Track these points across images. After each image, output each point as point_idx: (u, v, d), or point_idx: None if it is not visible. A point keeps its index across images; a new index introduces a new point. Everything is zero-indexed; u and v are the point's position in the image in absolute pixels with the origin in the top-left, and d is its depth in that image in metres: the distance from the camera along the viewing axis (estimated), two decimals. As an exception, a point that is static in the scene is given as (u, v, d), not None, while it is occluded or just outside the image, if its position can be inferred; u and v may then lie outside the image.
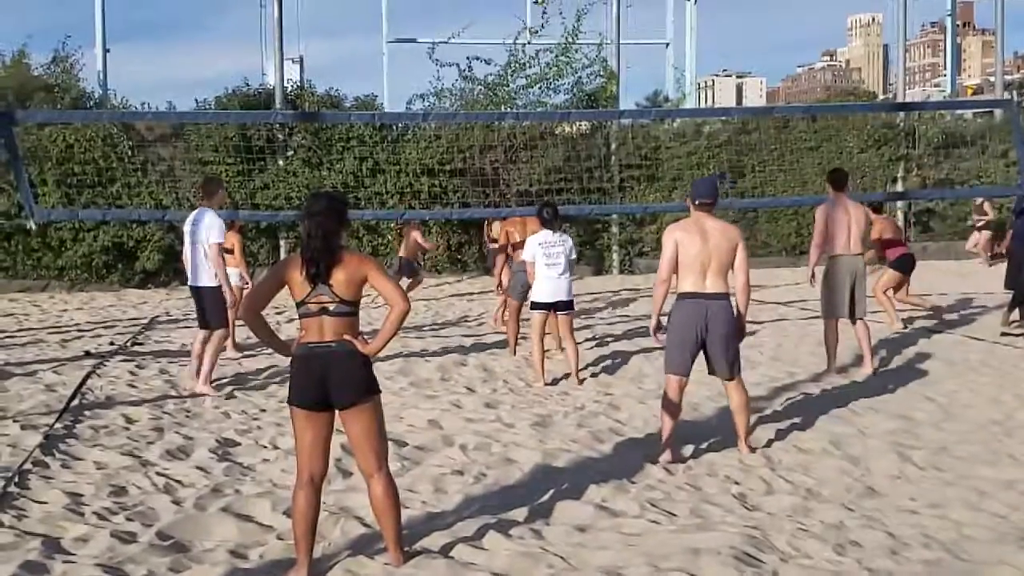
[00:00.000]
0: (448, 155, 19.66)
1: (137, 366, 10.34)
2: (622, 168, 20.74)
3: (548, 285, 9.41)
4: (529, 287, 10.11)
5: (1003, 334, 11.81)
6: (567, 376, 9.54)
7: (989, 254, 20.74)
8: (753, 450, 6.84)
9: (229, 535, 5.25)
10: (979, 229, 21.05)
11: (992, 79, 28.34)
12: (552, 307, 9.46)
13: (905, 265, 12.69)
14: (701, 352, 6.74)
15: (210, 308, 9.05)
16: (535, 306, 9.52)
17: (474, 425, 7.75)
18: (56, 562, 4.75)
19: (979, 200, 20.82)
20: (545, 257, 9.42)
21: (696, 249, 6.59)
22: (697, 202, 6.74)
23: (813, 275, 10.10)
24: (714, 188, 6.87)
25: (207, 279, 9.01)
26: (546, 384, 9.29)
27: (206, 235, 8.91)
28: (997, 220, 20.68)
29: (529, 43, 21.11)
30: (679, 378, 6.74)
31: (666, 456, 6.64)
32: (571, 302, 9.59)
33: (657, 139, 21.33)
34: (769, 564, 4.78)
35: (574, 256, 9.70)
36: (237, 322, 11.05)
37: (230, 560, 4.86)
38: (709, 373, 6.90)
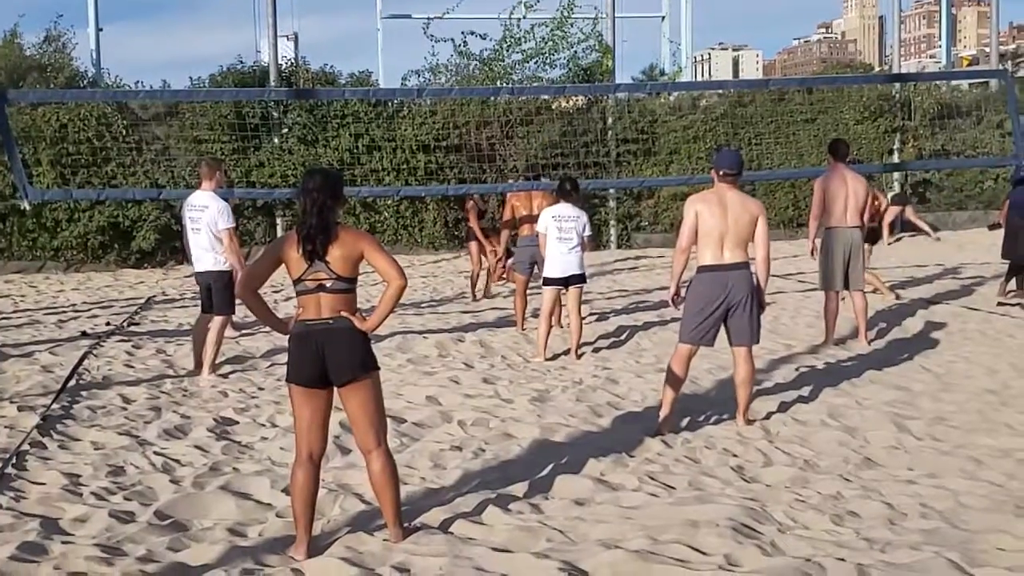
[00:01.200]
0: (444, 131, 19.60)
1: (134, 346, 10.33)
2: (619, 143, 20.68)
3: (559, 260, 9.36)
4: (535, 261, 10.08)
5: (999, 304, 11.82)
6: (567, 352, 9.54)
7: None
8: (751, 423, 6.85)
9: (228, 513, 5.25)
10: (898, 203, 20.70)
11: (987, 50, 28.22)
12: (565, 282, 9.42)
13: (873, 236, 12.78)
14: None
15: (217, 292, 8.87)
16: (547, 282, 9.48)
17: (472, 401, 7.75)
18: (54, 542, 4.74)
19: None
20: (557, 231, 9.34)
21: (716, 220, 6.61)
22: (722, 172, 6.72)
23: (814, 247, 10.08)
24: (739, 160, 6.83)
25: (212, 263, 8.86)
26: (545, 360, 9.28)
27: (215, 221, 8.78)
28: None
29: (524, 18, 21.01)
30: (690, 347, 6.78)
31: (664, 426, 6.66)
32: (583, 275, 9.54)
33: (653, 113, 21.26)
34: (767, 535, 4.79)
35: (589, 232, 9.58)
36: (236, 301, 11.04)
37: (229, 538, 4.86)
38: (730, 344, 6.86)
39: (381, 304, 4.66)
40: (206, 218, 8.83)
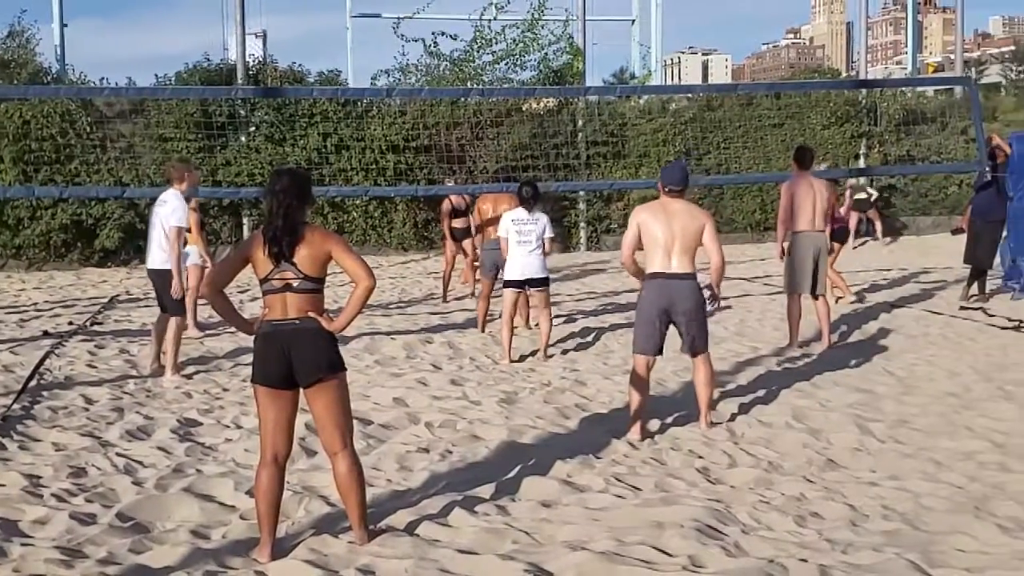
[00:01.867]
0: (414, 132, 19.55)
1: (97, 346, 10.22)
2: (589, 145, 20.73)
3: (518, 263, 9.39)
4: (499, 266, 10.11)
5: (962, 308, 11.95)
6: (535, 353, 9.54)
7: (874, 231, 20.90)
8: (713, 425, 6.88)
9: (191, 515, 5.21)
10: (854, 209, 20.79)
11: (952, 57, 28.55)
12: (523, 285, 9.45)
13: (842, 236, 12.91)
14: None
15: (165, 293, 8.74)
16: (507, 284, 9.53)
17: (440, 403, 7.73)
18: (14, 545, 4.69)
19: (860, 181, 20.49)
20: (517, 234, 9.40)
21: (661, 230, 6.67)
22: (667, 189, 6.81)
23: (783, 251, 10.13)
24: (684, 176, 6.88)
25: (160, 261, 8.75)
26: (512, 361, 9.29)
27: (168, 217, 8.69)
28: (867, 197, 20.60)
29: (495, 19, 21.02)
30: (646, 358, 6.79)
31: (633, 433, 6.67)
32: (544, 279, 9.54)
33: (623, 116, 21.32)
34: (731, 536, 4.82)
35: (550, 234, 9.56)
36: (200, 301, 10.97)
37: (192, 540, 4.82)
38: (680, 350, 6.99)
39: (349, 305, 4.64)
40: (163, 213, 8.75)
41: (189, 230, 10.09)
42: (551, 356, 9.51)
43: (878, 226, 20.87)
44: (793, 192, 9.75)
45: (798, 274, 9.72)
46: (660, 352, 6.87)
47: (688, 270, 6.70)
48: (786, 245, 9.98)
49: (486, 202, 11.41)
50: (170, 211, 8.70)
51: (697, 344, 6.80)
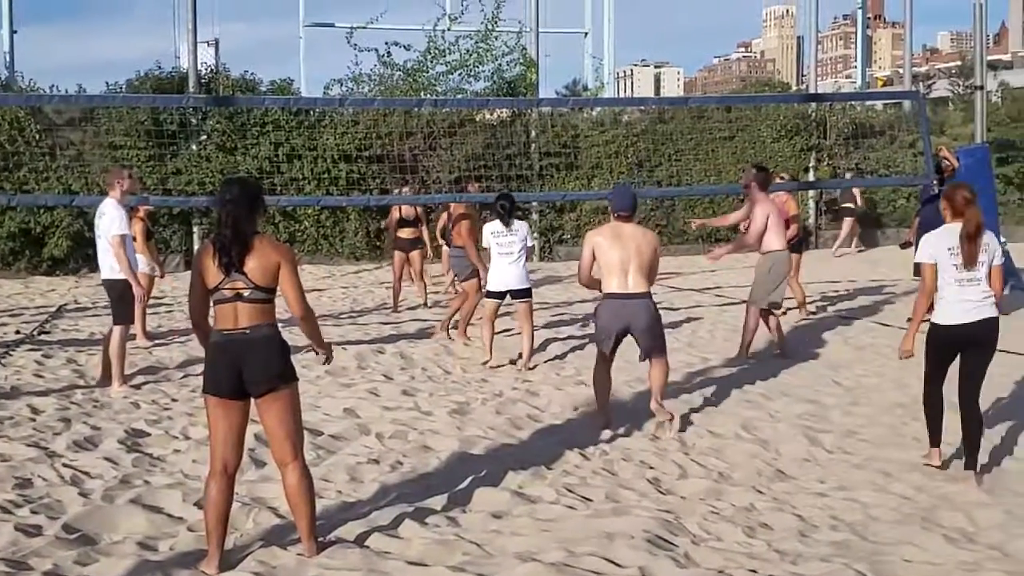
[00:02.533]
0: (367, 141, 19.48)
1: (44, 355, 10.07)
2: (542, 156, 20.77)
3: (498, 274, 9.59)
4: (470, 270, 10.52)
5: (909, 320, 12.09)
6: (514, 361, 9.66)
7: (856, 240, 21.45)
8: (661, 406, 7.09)
9: (138, 527, 5.15)
10: (845, 215, 21.43)
11: (901, 71, 29.01)
12: (504, 295, 9.61)
13: (799, 247, 13.08)
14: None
15: (112, 302, 8.67)
16: (488, 294, 9.73)
17: (391, 413, 7.70)
18: (-44, 557, 4.60)
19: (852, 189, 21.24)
20: (497, 247, 9.58)
21: (617, 251, 7.05)
22: (617, 213, 7.22)
23: (723, 256, 10.17)
24: (632, 202, 7.29)
25: (108, 272, 8.64)
26: (493, 366, 9.45)
27: (108, 228, 8.55)
28: (861, 209, 21.28)
29: (449, 29, 21.03)
30: (604, 353, 7.27)
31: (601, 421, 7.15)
32: (527, 290, 9.66)
33: (576, 128, 21.40)
34: (681, 547, 4.85)
35: (531, 242, 9.85)
36: (149, 310, 10.84)
37: (139, 552, 4.77)
38: (638, 359, 7.35)
39: (311, 339, 4.82)
40: (103, 226, 8.63)
41: (135, 238, 9.97)
42: (535, 366, 9.55)
43: (844, 231, 21.33)
44: (769, 212, 9.88)
45: (776, 290, 9.83)
46: (613, 354, 7.33)
47: (643, 289, 7.06)
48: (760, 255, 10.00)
49: (447, 210, 11.63)
50: (108, 222, 8.56)
51: (654, 353, 7.16)
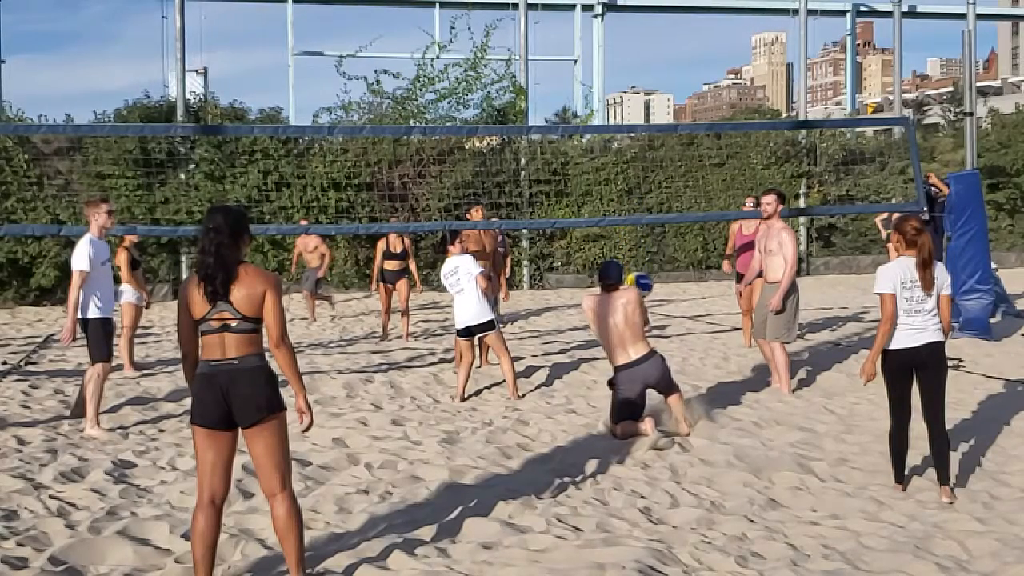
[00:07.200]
0: (356, 169, 19.52)
1: (31, 386, 10.00)
2: (531, 183, 20.84)
3: (457, 312, 9.57)
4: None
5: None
6: (492, 386, 9.67)
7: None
8: (681, 421, 7.85)
9: (125, 559, 5.09)
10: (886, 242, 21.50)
11: (891, 97, 29.19)
12: (470, 332, 9.47)
13: None
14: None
15: (88, 339, 8.29)
16: (457, 333, 9.63)
17: (380, 443, 7.65)
18: (-62, 592, 4.54)
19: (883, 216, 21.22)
20: (449, 287, 9.58)
21: (609, 327, 7.82)
22: (601, 284, 7.98)
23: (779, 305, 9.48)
24: (617, 271, 8.02)
25: (83, 310, 8.23)
26: (462, 400, 9.31)
27: (72, 261, 8.23)
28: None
29: (438, 57, 21.14)
30: (622, 424, 7.72)
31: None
32: (488, 322, 9.47)
33: (566, 155, 21.49)
34: (673, 578, 4.80)
35: (476, 271, 9.44)
36: (136, 340, 10.78)
37: (124, 586, 4.70)
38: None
39: (289, 379, 4.65)
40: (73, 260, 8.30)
41: (120, 268, 9.86)
42: (524, 395, 9.50)
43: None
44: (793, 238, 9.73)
45: (797, 320, 9.68)
46: (640, 416, 7.84)
47: (645, 351, 7.85)
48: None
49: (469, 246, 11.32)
50: (74, 256, 8.24)
51: (670, 391, 8.00)
